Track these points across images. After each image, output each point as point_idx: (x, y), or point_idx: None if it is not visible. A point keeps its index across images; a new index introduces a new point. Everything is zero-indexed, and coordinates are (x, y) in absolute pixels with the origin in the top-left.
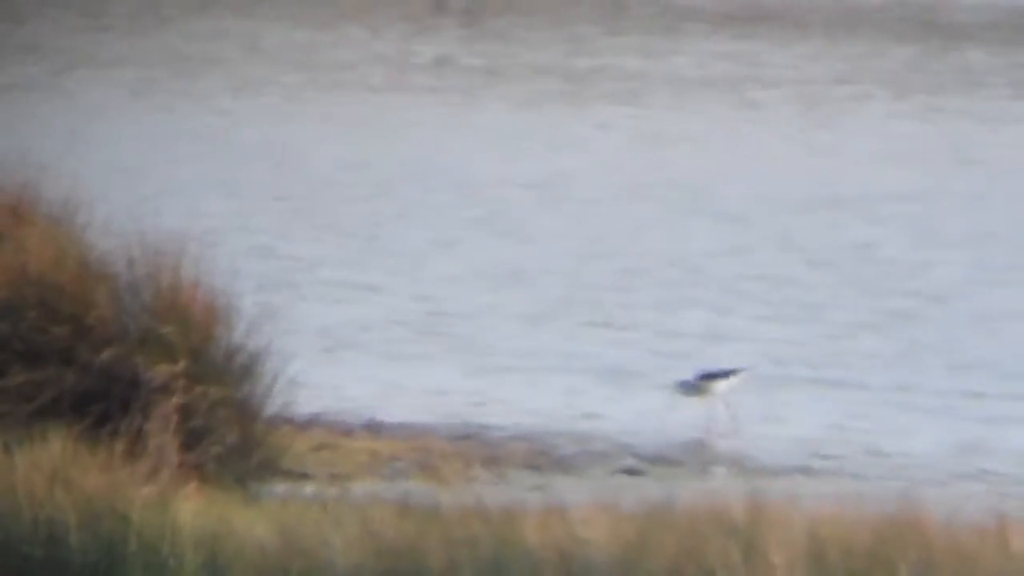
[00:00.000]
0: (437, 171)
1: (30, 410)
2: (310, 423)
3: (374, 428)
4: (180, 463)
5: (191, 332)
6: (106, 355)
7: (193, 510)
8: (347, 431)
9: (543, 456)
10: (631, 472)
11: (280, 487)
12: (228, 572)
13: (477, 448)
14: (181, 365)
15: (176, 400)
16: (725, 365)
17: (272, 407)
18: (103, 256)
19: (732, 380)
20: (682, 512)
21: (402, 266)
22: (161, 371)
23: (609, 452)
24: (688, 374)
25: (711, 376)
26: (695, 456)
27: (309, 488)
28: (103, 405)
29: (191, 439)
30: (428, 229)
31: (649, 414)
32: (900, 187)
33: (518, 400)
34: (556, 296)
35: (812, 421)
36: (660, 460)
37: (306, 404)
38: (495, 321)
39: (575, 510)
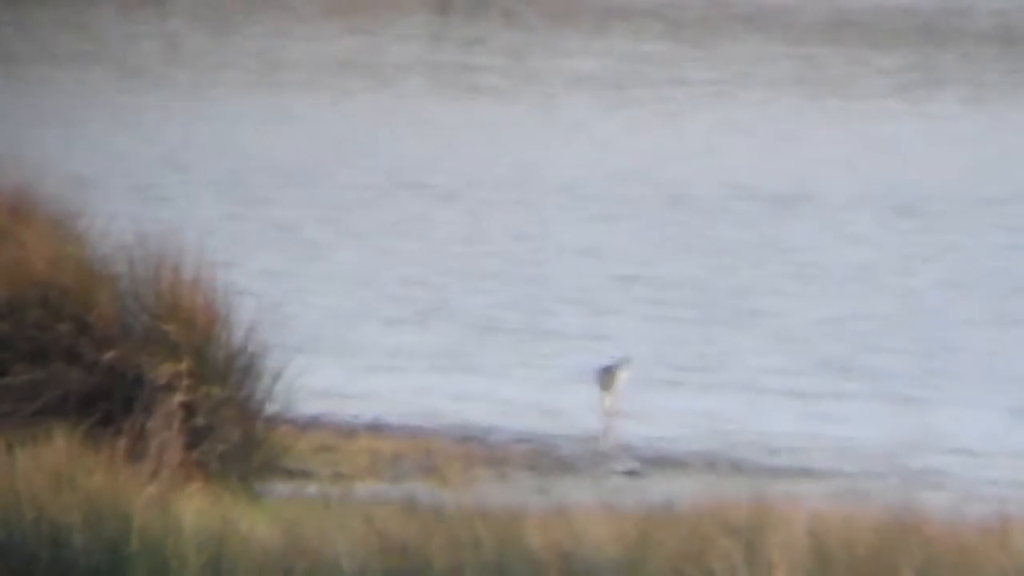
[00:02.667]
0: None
1: (33, 409)
2: (313, 423)
3: (376, 429)
4: (183, 462)
5: (194, 331)
6: (109, 354)
7: (196, 509)
8: (350, 431)
9: (544, 457)
10: (632, 474)
11: (283, 487)
12: (232, 572)
13: (479, 449)
14: (184, 364)
15: (179, 399)
16: (604, 359)
17: (274, 407)
18: (105, 255)
19: (626, 372)
20: (683, 513)
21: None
22: (164, 370)
23: (610, 454)
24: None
25: (610, 368)
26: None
27: (312, 488)
28: (106, 404)
29: (194, 438)
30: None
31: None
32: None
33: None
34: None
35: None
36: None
37: (308, 404)
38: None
39: (577, 511)
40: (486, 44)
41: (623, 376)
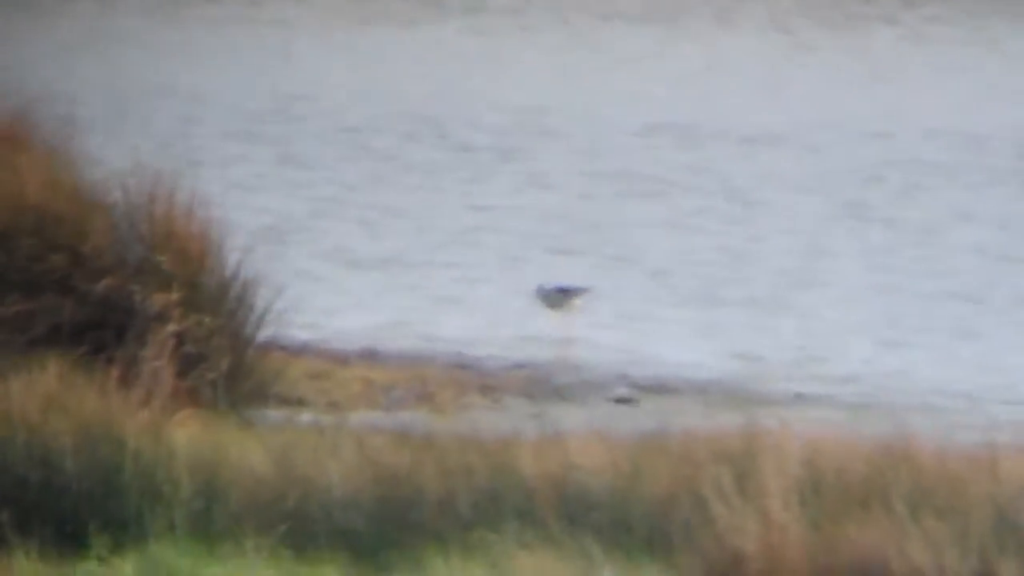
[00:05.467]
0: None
1: (27, 339)
2: (305, 350)
3: (370, 356)
4: (175, 390)
5: (186, 261)
6: (102, 284)
7: (188, 436)
8: (343, 359)
9: (538, 385)
10: (625, 401)
11: (275, 414)
12: (224, 497)
13: (472, 377)
14: (176, 294)
15: (171, 328)
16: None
17: (266, 334)
18: (100, 185)
19: (580, 300)
20: (676, 440)
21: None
22: (157, 300)
23: (604, 381)
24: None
25: (566, 291)
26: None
27: (305, 415)
28: (99, 333)
29: (186, 366)
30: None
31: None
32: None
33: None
34: None
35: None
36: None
37: (301, 331)
38: None
39: (570, 438)
40: None
41: (576, 302)
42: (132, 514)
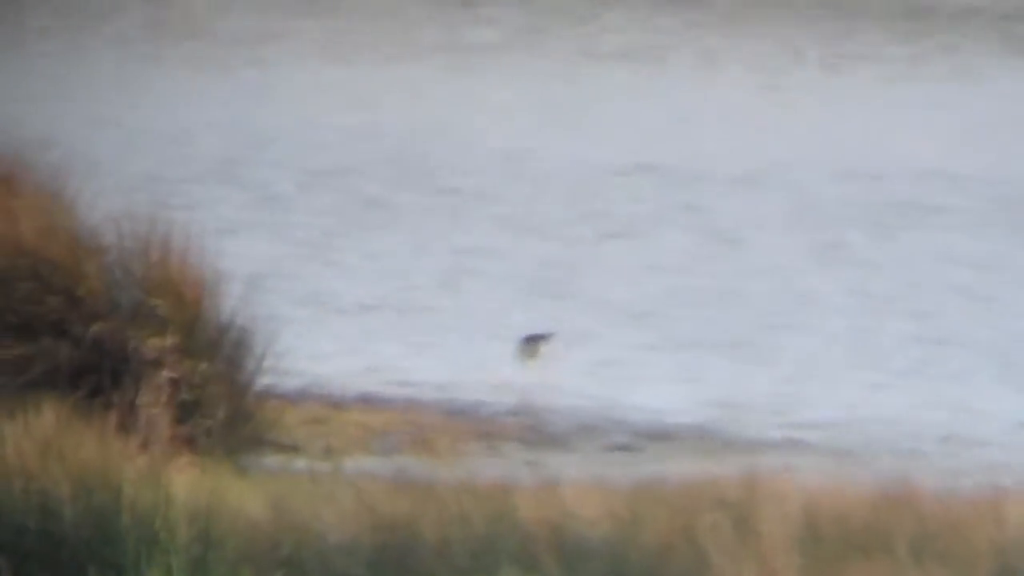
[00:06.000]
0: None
1: (22, 382)
2: (302, 396)
3: (366, 401)
4: (172, 436)
5: (182, 306)
6: (97, 328)
7: (185, 483)
8: (339, 404)
9: (535, 431)
10: (624, 448)
11: (272, 460)
12: (221, 545)
13: (469, 423)
14: (172, 339)
15: (167, 373)
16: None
17: (263, 381)
18: (95, 229)
19: (548, 345)
20: (675, 487)
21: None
22: (152, 344)
23: (602, 427)
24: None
25: (535, 338)
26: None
27: (301, 462)
28: (95, 378)
29: (182, 412)
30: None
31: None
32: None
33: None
34: None
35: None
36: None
37: (297, 377)
38: None
39: (567, 486)
40: None
41: (543, 349)
42: (130, 560)
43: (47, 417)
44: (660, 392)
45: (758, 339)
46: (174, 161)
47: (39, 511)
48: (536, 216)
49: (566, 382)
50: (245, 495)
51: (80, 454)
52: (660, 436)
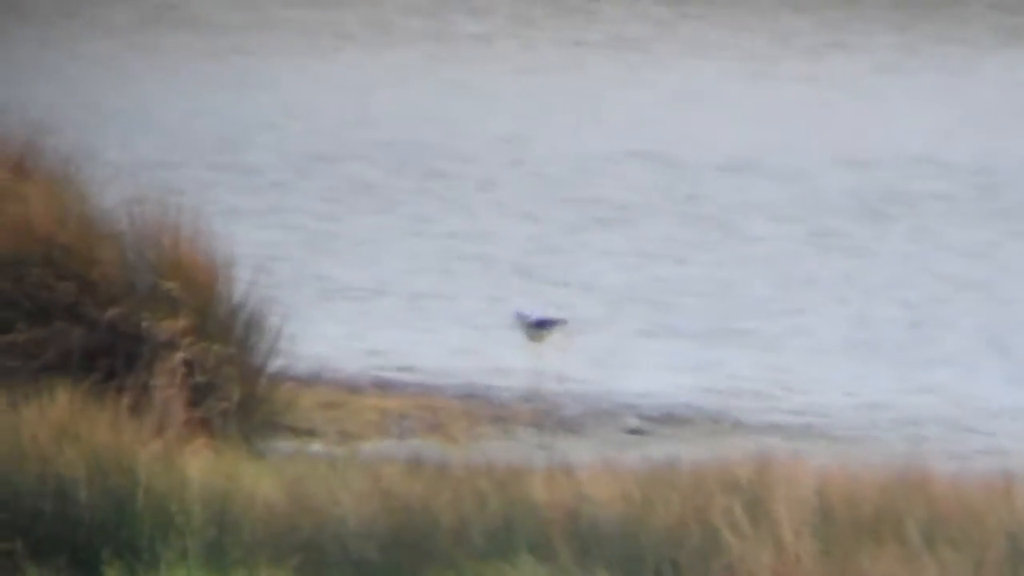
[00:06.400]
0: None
1: (36, 366)
2: (316, 379)
3: (382, 386)
4: (186, 420)
5: (195, 288)
6: (111, 311)
7: (200, 466)
8: (354, 388)
9: (547, 416)
10: (636, 432)
11: (287, 444)
12: (236, 528)
13: (484, 407)
14: (185, 321)
15: (181, 356)
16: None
17: (275, 363)
18: (107, 213)
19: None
20: (687, 471)
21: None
22: (166, 327)
23: (614, 412)
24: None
25: (544, 323)
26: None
27: (316, 445)
28: (108, 362)
29: (197, 395)
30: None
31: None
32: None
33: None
34: None
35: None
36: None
37: (312, 360)
38: None
39: (581, 469)
40: None
41: (552, 335)
42: (145, 543)
43: (61, 401)
44: (661, 378)
45: (753, 326)
46: (173, 147)
47: (54, 494)
48: (529, 202)
49: (569, 368)
50: (260, 478)
51: (95, 437)
52: (670, 421)
